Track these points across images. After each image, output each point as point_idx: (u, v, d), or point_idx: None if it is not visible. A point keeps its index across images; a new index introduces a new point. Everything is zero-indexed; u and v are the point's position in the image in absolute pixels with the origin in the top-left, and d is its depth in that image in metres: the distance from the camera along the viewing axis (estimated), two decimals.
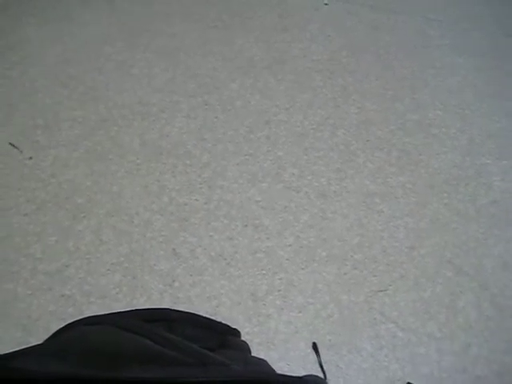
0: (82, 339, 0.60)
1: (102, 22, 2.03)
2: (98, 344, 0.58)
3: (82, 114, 1.73)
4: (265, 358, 0.81)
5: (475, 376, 1.27)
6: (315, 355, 1.27)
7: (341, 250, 1.47)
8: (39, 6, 2.08)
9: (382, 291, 1.40)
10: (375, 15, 2.20)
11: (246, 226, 1.49)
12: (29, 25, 2.00)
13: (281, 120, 1.76)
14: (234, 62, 1.94)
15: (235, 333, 0.83)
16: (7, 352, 0.55)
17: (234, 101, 1.81)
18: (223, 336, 0.78)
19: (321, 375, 1.08)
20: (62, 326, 0.67)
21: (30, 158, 1.59)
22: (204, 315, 0.77)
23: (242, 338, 0.87)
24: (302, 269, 1.42)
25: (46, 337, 0.67)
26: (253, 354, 0.85)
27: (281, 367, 1.25)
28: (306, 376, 0.59)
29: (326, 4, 2.21)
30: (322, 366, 1.23)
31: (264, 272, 1.41)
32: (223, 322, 0.81)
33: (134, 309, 0.76)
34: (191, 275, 1.39)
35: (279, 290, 1.38)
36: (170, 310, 0.76)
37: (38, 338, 1.23)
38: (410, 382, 1.24)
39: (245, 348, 0.84)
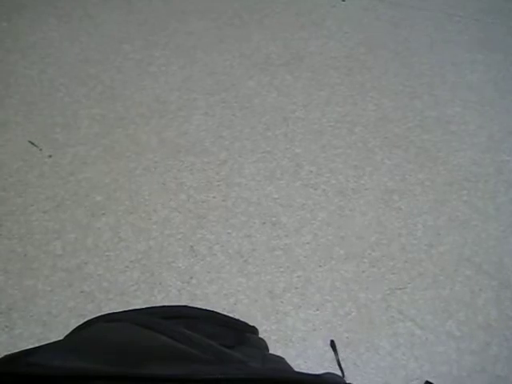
0: (102, 336, 0.61)
1: (120, 21, 2.04)
2: (117, 341, 0.59)
3: (101, 112, 1.74)
4: (282, 356, 0.81)
5: (495, 376, 1.26)
6: (333, 353, 1.27)
7: (359, 248, 1.46)
8: (59, 5, 2.10)
9: (400, 289, 1.39)
10: (393, 11, 2.18)
11: (264, 223, 1.49)
12: (48, 25, 2.02)
13: (298, 117, 1.76)
14: (251, 60, 1.94)
15: (253, 330, 0.83)
16: (28, 348, 0.56)
17: (251, 98, 1.81)
18: (241, 333, 0.78)
19: (339, 373, 1.08)
20: (81, 323, 0.67)
21: (50, 156, 1.61)
22: (222, 312, 0.77)
23: (260, 336, 0.87)
24: (320, 266, 1.42)
25: (65, 333, 0.68)
26: (270, 352, 0.85)
27: (298, 365, 1.25)
28: (324, 374, 0.59)
29: (343, 1, 2.20)
30: (339, 364, 1.23)
31: (282, 269, 1.41)
32: (241, 319, 0.81)
33: (152, 306, 0.76)
34: (209, 272, 1.39)
35: (297, 288, 1.38)
36: (188, 307, 0.76)
37: (58, 333, 1.24)
38: (429, 380, 1.23)
39: (263, 345, 0.84)
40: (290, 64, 1.93)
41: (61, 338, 0.66)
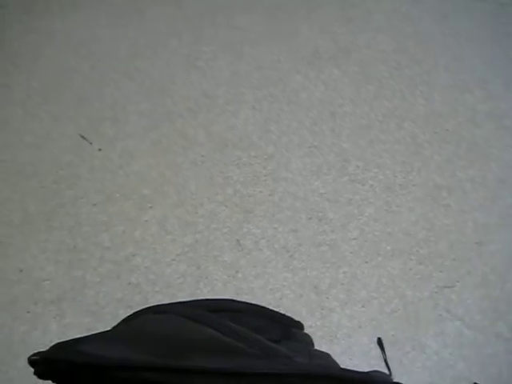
0: (149, 327, 0.62)
1: (169, 17, 2.06)
2: (164, 333, 0.60)
3: (149, 106, 1.76)
4: (327, 352, 0.81)
5: None
6: (378, 350, 1.26)
7: (406, 245, 1.44)
8: (109, 2, 2.13)
9: (448, 287, 1.37)
10: (443, 3, 2.13)
11: (310, 218, 1.49)
12: (99, 21, 2.05)
13: (346, 112, 1.74)
14: (298, 54, 1.93)
15: (298, 325, 0.83)
16: (78, 337, 0.57)
17: (298, 92, 1.80)
18: (287, 328, 0.78)
19: (385, 371, 1.07)
20: (129, 314, 0.69)
21: (99, 149, 1.64)
22: (267, 307, 0.77)
23: (305, 331, 0.87)
24: (366, 262, 1.41)
25: (113, 323, 0.69)
26: (315, 348, 0.85)
27: (343, 361, 1.24)
28: (371, 371, 0.58)
29: None
30: (387, 363, 1.22)
31: (328, 265, 1.40)
32: (286, 314, 0.81)
33: (199, 299, 0.77)
34: (254, 267, 1.40)
35: (342, 284, 1.37)
36: (234, 300, 0.77)
37: (105, 324, 1.26)
38: (477, 382, 1.20)
39: (308, 341, 0.84)
40: (338, 58, 1.91)
41: (108, 328, 0.67)
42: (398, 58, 1.91)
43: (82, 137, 1.67)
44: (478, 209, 1.51)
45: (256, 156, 1.62)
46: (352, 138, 1.67)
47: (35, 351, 0.53)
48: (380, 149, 1.64)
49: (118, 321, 0.70)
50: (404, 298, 1.35)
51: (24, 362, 0.52)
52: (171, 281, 1.38)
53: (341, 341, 1.28)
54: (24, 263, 1.40)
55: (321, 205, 1.51)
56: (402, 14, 2.08)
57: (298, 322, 0.83)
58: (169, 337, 0.59)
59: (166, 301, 0.73)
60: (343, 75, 1.86)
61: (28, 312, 1.32)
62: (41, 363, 0.52)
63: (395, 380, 0.63)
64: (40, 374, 0.52)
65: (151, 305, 0.69)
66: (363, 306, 1.34)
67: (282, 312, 0.79)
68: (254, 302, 0.77)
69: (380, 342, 1.26)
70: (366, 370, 0.58)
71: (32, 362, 0.52)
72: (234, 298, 0.80)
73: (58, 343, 0.55)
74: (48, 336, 1.28)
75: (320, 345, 1.24)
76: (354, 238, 1.45)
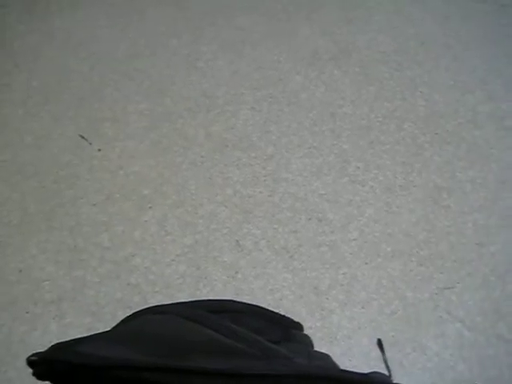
0: (149, 328, 0.62)
1: (169, 17, 2.06)
2: (163, 333, 0.59)
3: (149, 106, 1.76)
4: (327, 353, 0.80)
5: None
6: (378, 352, 1.25)
7: (406, 246, 1.44)
8: (109, 2, 2.13)
9: (448, 289, 1.36)
10: (445, 4, 2.13)
11: (310, 219, 1.48)
12: (98, 22, 2.05)
13: (346, 113, 1.74)
14: (298, 54, 1.93)
15: (298, 326, 0.83)
16: (77, 337, 0.57)
17: (298, 93, 1.80)
18: (287, 329, 0.78)
19: (385, 372, 1.07)
20: (129, 314, 0.68)
21: (99, 149, 1.64)
22: (267, 308, 0.77)
23: (305, 332, 0.87)
24: (366, 264, 1.41)
25: (113, 323, 0.69)
26: (315, 349, 0.84)
27: (343, 363, 1.24)
28: (371, 373, 0.58)
29: None
30: (386, 364, 1.21)
31: (327, 266, 1.40)
32: (286, 315, 0.81)
33: (198, 299, 0.77)
34: (254, 267, 1.40)
35: (342, 285, 1.37)
36: (234, 301, 0.77)
37: (105, 324, 1.26)
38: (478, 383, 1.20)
39: (308, 342, 0.84)
40: (338, 59, 1.91)
41: (108, 328, 0.67)
42: (399, 59, 1.91)
43: (82, 137, 1.66)
44: (478, 210, 1.51)
45: (256, 157, 1.62)
46: (352, 138, 1.67)
47: (34, 352, 0.52)
48: (380, 150, 1.64)
49: (118, 321, 0.70)
50: (404, 300, 1.34)
51: (23, 363, 0.51)
52: (171, 281, 1.37)
53: (340, 342, 1.28)
54: (23, 263, 1.40)
55: (321, 206, 1.51)
56: (402, 15, 2.08)
57: (298, 323, 0.82)
58: (168, 337, 0.58)
59: (166, 301, 0.73)
60: (343, 76, 1.85)
61: (27, 312, 1.32)
62: (39, 364, 0.52)
63: (395, 381, 0.63)
64: (39, 375, 0.52)
65: (151, 305, 0.69)
66: (363, 307, 1.33)
67: (282, 313, 0.79)
68: (253, 302, 0.76)
69: (380, 344, 1.26)
70: (366, 371, 0.57)
71: (31, 362, 0.51)
72: (234, 299, 0.80)
73: (57, 344, 0.55)
74: (48, 336, 1.28)
75: (320, 346, 1.24)
76: (354, 239, 1.45)
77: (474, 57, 1.92)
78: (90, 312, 1.32)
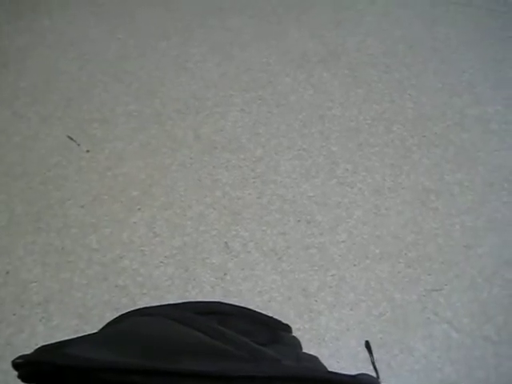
0: (136, 330, 0.61)
1: (158, 18, 2.06)
2: (151, 335, 0.59)
3: (138, 108, 1.76)
4: (315, 355, 0.80)
5: None
6: (366, 353, 1.26)
7: (394, 248, 1.44)
8: (98, 3, 2.12)
9: (436, 291, 1.37)
10: (433, 7, 2.14)
11: (299, 221, 1.49)
12: (88, 22, 2.05)
13: (335, 115, 1.74)
14: (287, 57, 1.93)
15: (286, 328, 0.83)
16: (64, 339, 0.57)
17: (287, 95, 1.80)
18: (275, 331, 0.78)
19: (372, 374, 1.07)
20: (116, 316, 0.68)
21: (87, 151, 1.63)
22: (255, 310, 0.77)
23: (293, 334, 0.87)
24: (355, 265, 1.41)
25: (100, 325, 0.68)
26: (303, 351, 0.84)
27: (331, 365, 1.24)
28: (359, 375, 0.58)
29: None
30: (374, 366, 1.22)
31: (316, 268, 1.40)
32: (274, 317, 0.81)
33: (186, 301, 0.77)
34: (243, 269, 1.40)
35: (331, 287, 1.37)
36: (222, 303, 0.76)
37: (93, 326, 1.26)
38: None
39: (296, 344, 0.84)
40: (327, 61, 1.92)
41: (96, 330, 0.67)
42: (388, 62, 1.92)
43: (70, 138, 1.66)
44: (466, 212, 1.52)
45: (245, 158, 1.62)
46: (341, 140, 1.67)
47: (20, 354, 0.52)
48: (369, 152, 1.65)
49: (105, 323, 0.70)
50: (392, 301, 1.35)
51: (9, 365, 0.51)
52: (159, 283, 1.37)
53: (329, 344, 1.28)
54: (11, 265, 1.39)
55: (309, 208, 1.51)
56: (391, 18, 2.09)
57: (286, 325, 0.82)
58: (156, 339, 0.58)
59: (154, 303, 0.73)
60: (332, 78, 1.86)
61: (14, 314, 1.31)
62: (25, 366, 0.51)
63: (383, 383, 0.63)
64: (24, 378, 0.52)
65: (139, 307, 0.68)
66: (351, 309, 1.34)
67: (270, 315, 0.79)
68: (242, 304, 0.76)
69: (368, 345, 1.26)
70: (354, 373, 0.57)
71: (16, 365, 0.51)
72: (222, 301, 0.79)
73: (43, 346, 0.54)
74: (34, 339, 1.27)
75: (308, 348, 1.24)
76: (343, 241, 1.45)
77: (462, 60, 1.93)
78: (77, 314, 1.31)
